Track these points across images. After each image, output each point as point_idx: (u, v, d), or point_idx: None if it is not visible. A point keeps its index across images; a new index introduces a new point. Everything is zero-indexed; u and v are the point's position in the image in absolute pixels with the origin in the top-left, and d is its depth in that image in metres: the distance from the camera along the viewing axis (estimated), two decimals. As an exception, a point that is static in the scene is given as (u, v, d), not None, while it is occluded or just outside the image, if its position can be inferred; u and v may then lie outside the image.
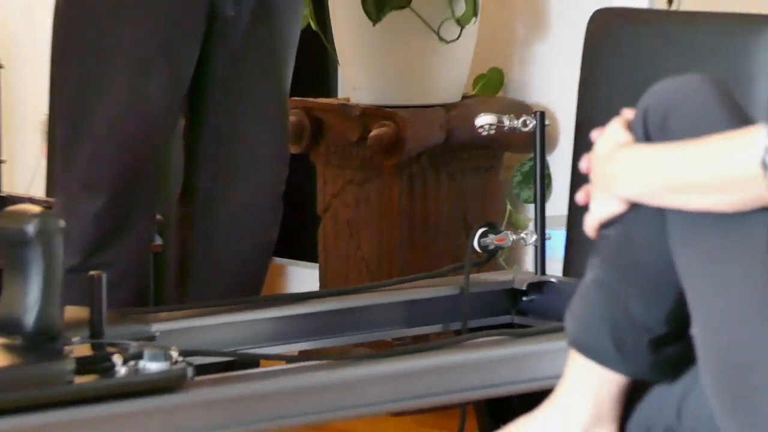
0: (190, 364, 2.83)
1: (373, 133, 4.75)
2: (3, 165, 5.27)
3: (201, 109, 4.27)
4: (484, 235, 3.58)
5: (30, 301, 2.83)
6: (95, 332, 2.86)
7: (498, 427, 2.88)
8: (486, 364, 3.26)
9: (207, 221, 4.27)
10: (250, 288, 4.24)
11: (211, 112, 4.27)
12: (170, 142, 4.34)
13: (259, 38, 4.25)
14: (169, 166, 4.47)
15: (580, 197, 2.60)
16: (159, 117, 4.16)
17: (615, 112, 2.61)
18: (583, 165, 2.58)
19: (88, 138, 4.13)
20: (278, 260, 5.38)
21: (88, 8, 4.20)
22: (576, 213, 3.21)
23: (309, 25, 4.97)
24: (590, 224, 2.57)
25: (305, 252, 5.36)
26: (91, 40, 4.20)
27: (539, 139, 3.72)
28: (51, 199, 4.48)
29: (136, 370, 2.79)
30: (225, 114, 4.26)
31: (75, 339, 2.84)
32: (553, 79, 5.00)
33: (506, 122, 3.81)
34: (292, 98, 4.69)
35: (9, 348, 2.86)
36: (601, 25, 3.85)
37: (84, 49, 4.20)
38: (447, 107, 4.87)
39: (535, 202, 3.82)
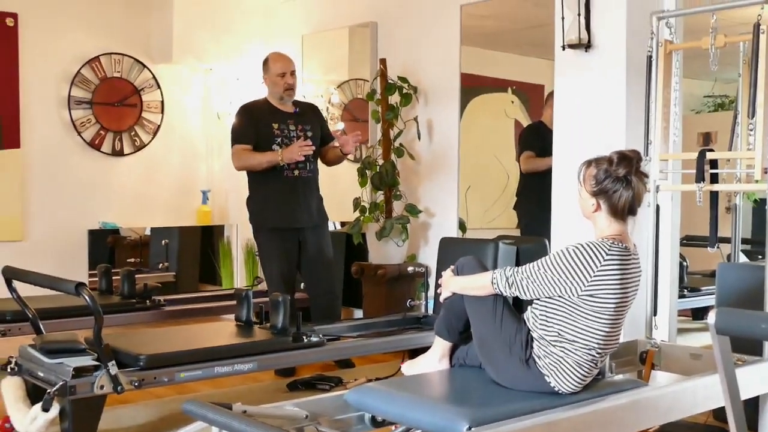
0: (324, 338, 3.36)
1: (379, 272, 4.73)
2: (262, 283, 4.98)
3: (305, 266, 4.36)
4: (410, 301, 4.03)
5: (279, 319, 3.26)
6: (298, 328, 3.31)
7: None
8: (412, 337, 3.71)
9: (316, 295, 4.37)
10: (334, 315, 4.39)
11: (307, 266, 4.36)
12: (295, 278, 4.38)
13: (317, 243, 4.37)
14: (294, 282, 4.37)
15: (439, 291, 2.81)
16: (290, 273, 4.33)
17: (450, 264, 2.80)
18: (439, 281, 2.82)
19: (270, 280, 4.32)
20: (349, 307, 5.21)
21: (261, 240, 4.38)
22: (436, 296, 3.05)
23: (360, 242, 4.96)
24: (441, 299, 2.79)
25: (358, 304, 5.00)
26: (263, 250, 4.37)
27: (426, 274, 4.21)
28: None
29: (309, 340, 3.22)
30: (312, 266, 4.36)
31: (292, 330, 3.28)
32: (430, 256, 4.68)
33: (416, 269, 4.39)
34: (357, 261, 4.96)
35: (274, 334, 3.29)
36: (444, 242, 3.86)
37: (263, 253, 4.39)
38: (399, 265, 4.80)
39: (425, 292, 4.28)
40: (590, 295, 2.44)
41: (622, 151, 2.51)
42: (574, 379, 2.49)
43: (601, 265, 2.42)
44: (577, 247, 2.46)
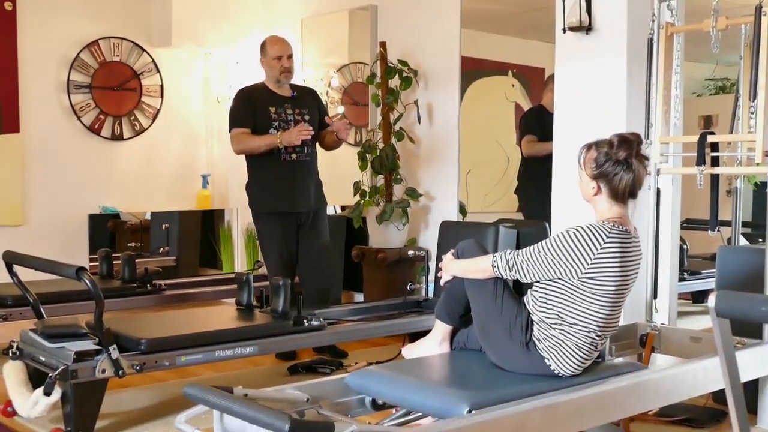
0: (324, 321, 3.36)
1: (379, 256, 4.73)
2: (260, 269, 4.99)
3: (300, 250, 4.31)
4: (411, 285, 4.04)
5: (280, 303, 3.24)
6: (299, 312, 3.30)
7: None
8: (413, 321, 3.72)
9: (308, 279, 4.31)
10: (328, 299, 4.33)
11: (302, 249, 4.31)
12: (295, 262, 4.32)
13: (314, 227, 4.35)
14: (294, 266, 4.31)
15: (440, 274, 2.82)
16: (290, 257, 4.30)
17: (450, 248, 2.82)
18: (440, 264, 2.81)
19: (269, 263, 4.29)
20: (350, 291, 5.20)
21: (260, 225, 4.35)
22: (437, 279, 3.18)
23: (360, 226, 4.97)
24: (442, 282, 2.81)
25: (359, 288, 4.95)
26: (263, 235, 4.33)
27: (426, 258, 4.18)
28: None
29: (310, 324, 3.20)
30: (307, 250, 4.32)
31: (292, 314, 3.27)
32: (430, 239, 4.66)
33: (416, 252, 4.32)
34: (357, 245, 4.95)
35: (274, 318, 3.29)
36: (444, 225, 3.96)
37: (263, 237, 4.35)
38: (400, 249, 4.80)
39: (425, 275, 4.32)
40: (590, 278, 2.43)
41: (623, 134, 2.51)
42: (574, 362, 2.49)
43: (602, 248, 2.42)
44: (577, 230, 2.46)
